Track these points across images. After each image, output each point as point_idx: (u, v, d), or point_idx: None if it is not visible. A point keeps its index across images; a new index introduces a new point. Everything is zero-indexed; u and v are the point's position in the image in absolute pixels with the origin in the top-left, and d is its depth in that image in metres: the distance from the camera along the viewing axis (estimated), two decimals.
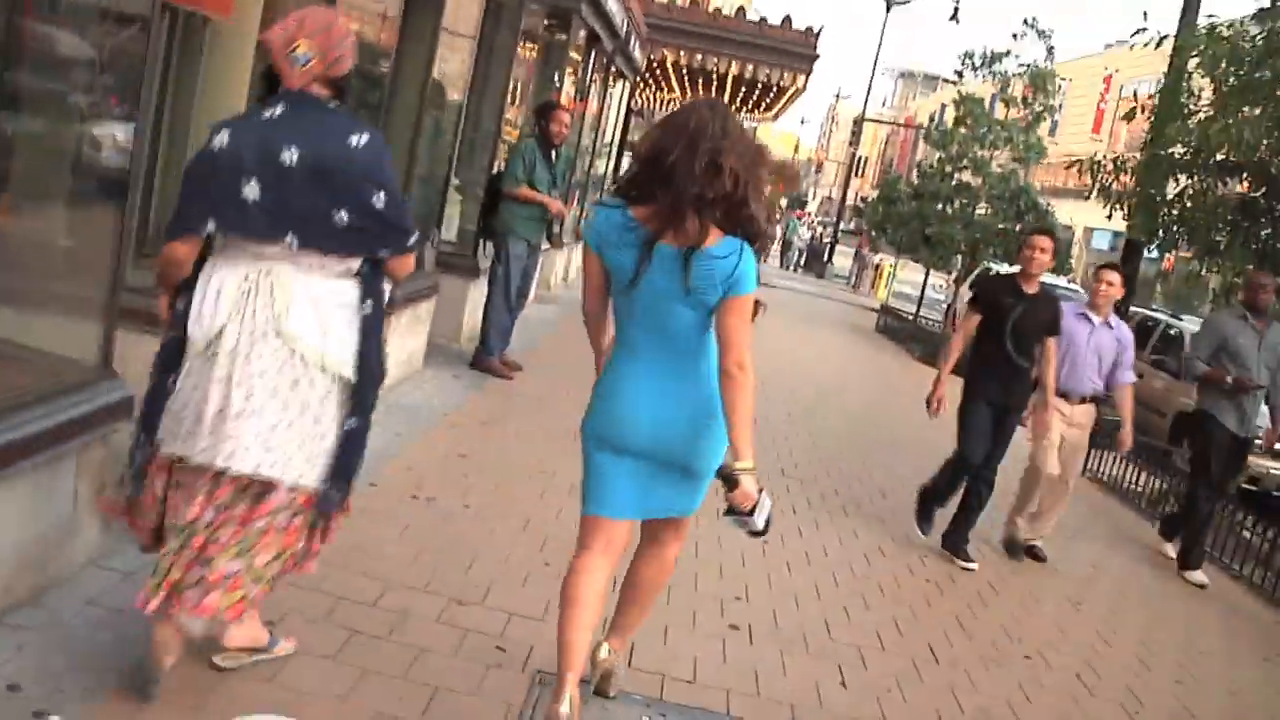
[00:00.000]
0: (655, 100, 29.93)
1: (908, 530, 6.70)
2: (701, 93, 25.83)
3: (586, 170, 16.23)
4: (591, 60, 14.25)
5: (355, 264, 3.03)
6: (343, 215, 2.89)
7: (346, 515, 3.24)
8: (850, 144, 44.14)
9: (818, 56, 19.51)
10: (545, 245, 8.97)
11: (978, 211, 17.00)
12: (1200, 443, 7.34)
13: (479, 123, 9.67)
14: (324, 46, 2.94)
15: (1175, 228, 8.95)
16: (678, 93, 27.01)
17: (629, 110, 22.63)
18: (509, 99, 10.15)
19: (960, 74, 16.64)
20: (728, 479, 3.06)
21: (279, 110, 2.91)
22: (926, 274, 19.96)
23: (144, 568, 3.58)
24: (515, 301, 8.44)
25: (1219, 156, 8.53)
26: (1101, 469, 10.15)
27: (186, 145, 5.85)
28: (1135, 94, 10.06)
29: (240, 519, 2.96)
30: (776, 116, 26.09)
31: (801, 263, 38.72)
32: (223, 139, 2.86)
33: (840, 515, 6.84)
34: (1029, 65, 16.26)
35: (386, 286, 3.15)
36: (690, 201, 2.96)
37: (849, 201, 45.08)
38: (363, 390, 3.07)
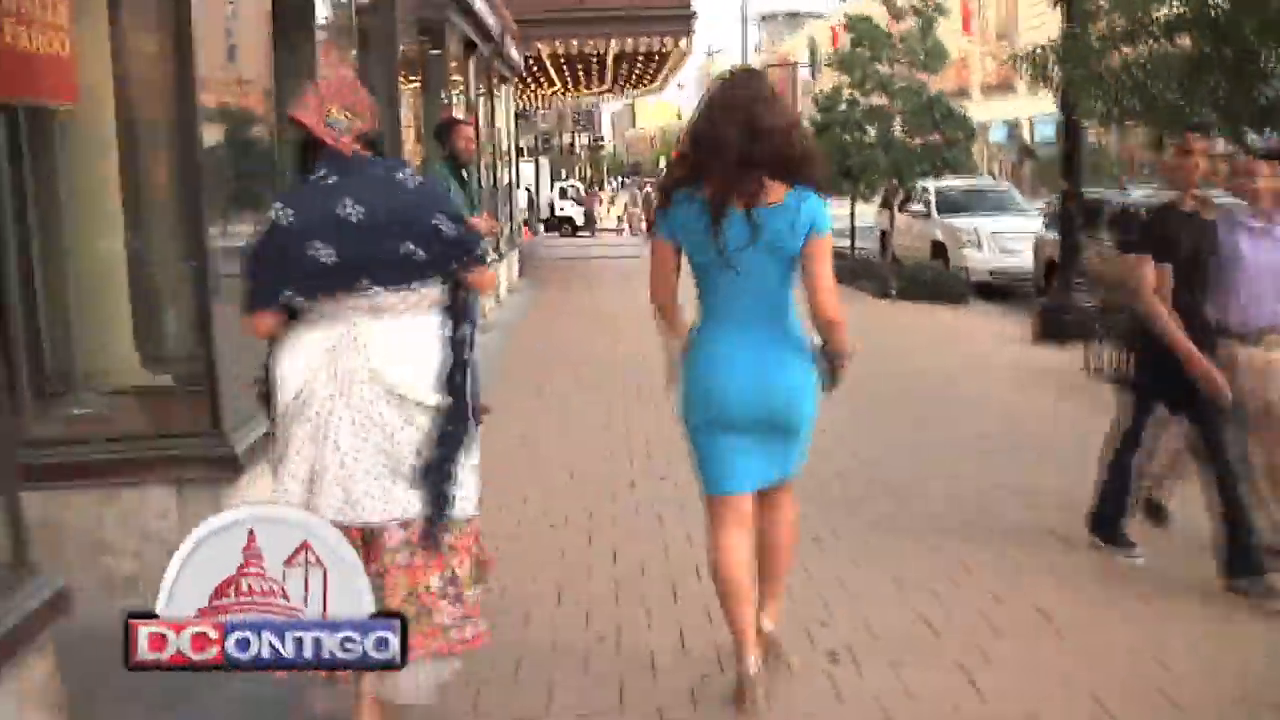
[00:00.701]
0: (538, 98, 29.19)
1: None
2: (583, 80, 25.14)
3: (493, 183, 15.51)
4: (472, 68, 13.50)
5: (433, 295, 3.12)
6: (409, 246, 3.00)
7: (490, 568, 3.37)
8: None
9: (694, 14, 18.94)
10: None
11: (894, 132, 16.47)
12: None
13: None
14: (353, 104, 3.08)
15: (1127, 100, 8.41)
16: (559, 86, 26.31)
17: (517, 114, 21.86)
18: (400, 129, 9.40)
19: None
20: (833, 371, 3.47)
21: (329, 176, 3.02)
22: (852, 206, 19.43)
23: None
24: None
25: (1159, 15, 8.00)
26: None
27: (64, 254, 5.06)
28: None
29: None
30: (663, 86, 25.50)
31: None
32: (284, 213, 2.99)
33: (870, 498, 6.22)
34: None
35: (478, 307, 3.36)
36: (740, 165, 3.21)
37: None
38: (452, 414, 3.07)
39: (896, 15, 16.15)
